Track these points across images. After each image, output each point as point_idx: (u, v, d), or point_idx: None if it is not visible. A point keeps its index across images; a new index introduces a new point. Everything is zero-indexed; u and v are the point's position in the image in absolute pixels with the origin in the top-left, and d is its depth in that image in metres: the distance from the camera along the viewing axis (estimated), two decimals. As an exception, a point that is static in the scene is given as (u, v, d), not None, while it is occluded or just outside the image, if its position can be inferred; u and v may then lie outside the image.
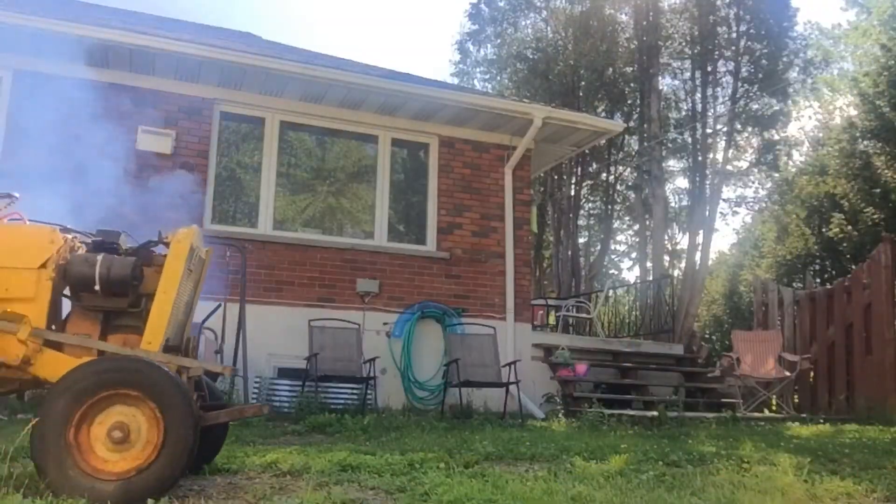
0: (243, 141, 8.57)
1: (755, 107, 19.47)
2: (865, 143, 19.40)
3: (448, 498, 2.49)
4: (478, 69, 25.00)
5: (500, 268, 8.68)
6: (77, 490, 2.27)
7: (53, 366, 2.54)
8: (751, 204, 24.14)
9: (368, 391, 7.25)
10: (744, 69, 18.79)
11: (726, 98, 19.35)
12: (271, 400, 7.04)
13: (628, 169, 22.63)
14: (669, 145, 20.84)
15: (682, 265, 22.02)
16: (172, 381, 2.39)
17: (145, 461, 2.35)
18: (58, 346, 2.60)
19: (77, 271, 2.63)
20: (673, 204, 24.05)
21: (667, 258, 22.26)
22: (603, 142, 15.22)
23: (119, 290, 2.65)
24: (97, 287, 2.60)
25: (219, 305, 6.47)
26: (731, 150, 19.57)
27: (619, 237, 27.80)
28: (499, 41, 23.60)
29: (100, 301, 2.67)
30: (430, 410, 7.54)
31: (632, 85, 20.71)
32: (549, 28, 22.20)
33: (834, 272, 20.13)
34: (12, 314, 2.53)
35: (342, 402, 7.15)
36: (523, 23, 23.28)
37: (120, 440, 2.36)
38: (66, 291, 2.80)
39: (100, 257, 2.63)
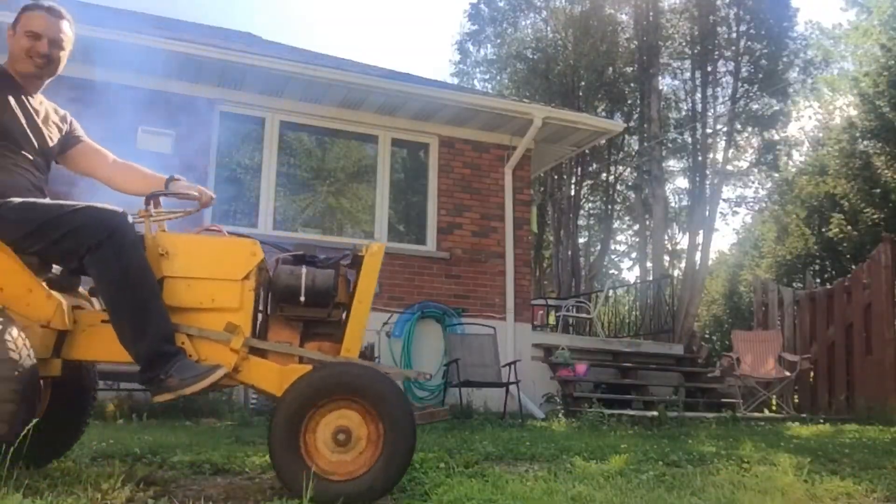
0: (243, 141, 8.57)
1: (755, 107, 19.48)
2: (865, 143, 19.41)
3: (448, 498, 2.49)
4: (478, 69, 25.02)
5: (500, 268, 8.68)
6: (312, 491, 2.37)
7: (258, 372, 2.64)
8: (751, 204, 24.17)
9: (368, 391, 7.25)
10: (744, 69, 18.80)
11: (726, 98, 19.37)
12: (271, 400, 7.04)
13: (628, 169, 22.65)
14: (669, 145, 20.84)
15: (682, 265, 22.03)
16: (390, 385, 2.49)
17: (367, 463, 2.45)
18: (262, 354, 2.69)
19: (284, 282, 2.72)
20: (673, 204, 24.07)
21: (667, 258, 22.27)
22: (603, 142, 15.23)
23: (321, 301, 2.76)
24: (302, 298, 2.70)
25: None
26: (731, 150, 19.59)
27: (619, 237, 27.83)
28: (499, 41, 23.61)
29: (301, 311, 2.77)
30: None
31: (632, 85, 20.73)
32: (548, 28, 22.20)
33: (834, 272, 20.14)
34: (231, 325, 2.62)
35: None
36: (523, 23, 23.30)
37: (343, 443, 2.46)
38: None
39: (304, 269, 2.74)
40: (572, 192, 21.25)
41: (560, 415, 7.65)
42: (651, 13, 19.74)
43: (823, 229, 20.96)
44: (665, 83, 21.14)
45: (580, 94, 20.22)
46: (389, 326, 7.96)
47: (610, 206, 23.55)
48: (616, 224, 25.69)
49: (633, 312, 15.40)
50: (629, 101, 20.99)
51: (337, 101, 8.17)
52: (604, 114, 20.03)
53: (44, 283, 2.56)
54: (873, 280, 9.19)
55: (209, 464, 3.23)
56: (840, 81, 23.09)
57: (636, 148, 21.47)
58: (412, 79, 9.19)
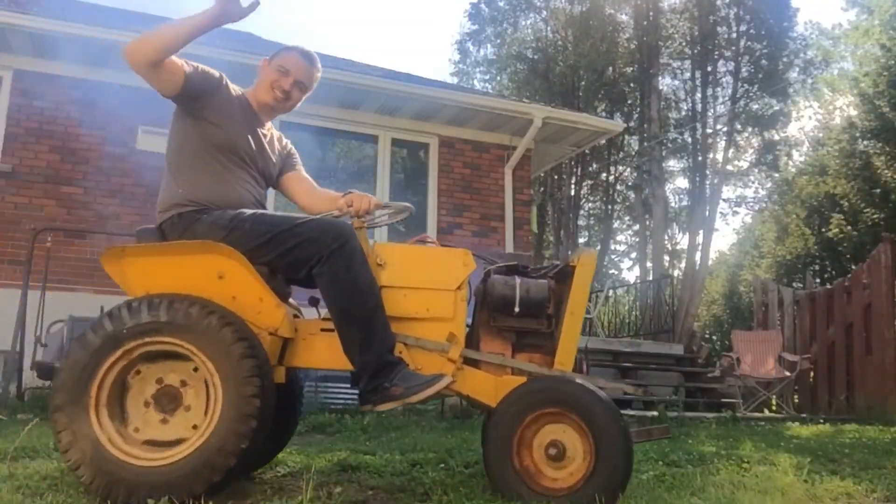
0: (243, 141, 8.58)
1: (755, 107, 19.49)
2: (865, 143, 19.42)
3: (448, 498, 2.49)
4: (478, 69, 25.03)
5: (500, 268, 8.67)
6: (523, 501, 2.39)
7: (474, 383, 2.63)
8: (751, 204, 24.18)
9: (368, 391, 7.24)
10: (744, 69, 18.81)
11: (726, 98, 19.38)
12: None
13: (628, 169, 22.66)
14: (669, 145, 20.86)
15: (682, 265, 22.04)
16: (602, 401, 2.44)
17: (580, 479, 2.41)
18: (474, 364, 2.69)
19: (499, 293, 2.71)
20: (673, 204, 24.08)
21: (667, 258, 22.27)
22: (603, 142, 15.23)
23: (535, 312, 2.75)
24: (516, 308, 2.69)
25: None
26: (731, 150, 19.60)
27: (619, 237, 27.84)
28: (498, 41, 23.62)
29: (514, 322, 2.76)
30: (430, 410, 7.54)
31: (632, 85, 20.73)
32: (548, 28, 22.21)
33: (834, 272, 20.15)
34: (451, 335, 2.64)
35: (342, 401, 7.14)
36: (523, 23, 23.31)
37: (556, 457, 2.44)
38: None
39: (518, 280, 2.72)
40: (572, 192, 21.25)
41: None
42: (651, 13, 19.75)
43: (823, 229, 20.98)
44: (665, 83, 21.15)
45: (580, 94, 20.22)
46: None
47: (610, 206, 23.56)
48: (616, 224, 25.71)
49: (633, 312, 15.41)
50: (629, 101, 21.00)
51: (337, 101, 8.17)
52: (604, 114, 20.03)
53: (273, 293, 2.60)
54: (873, 280, 9.19)
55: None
56: (840, 81, 23.10)
57: (636, 148, 21.48)
58: (412, 79, 9.19)
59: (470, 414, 7.10)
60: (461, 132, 8.86)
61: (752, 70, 18.84)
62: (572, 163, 19.78)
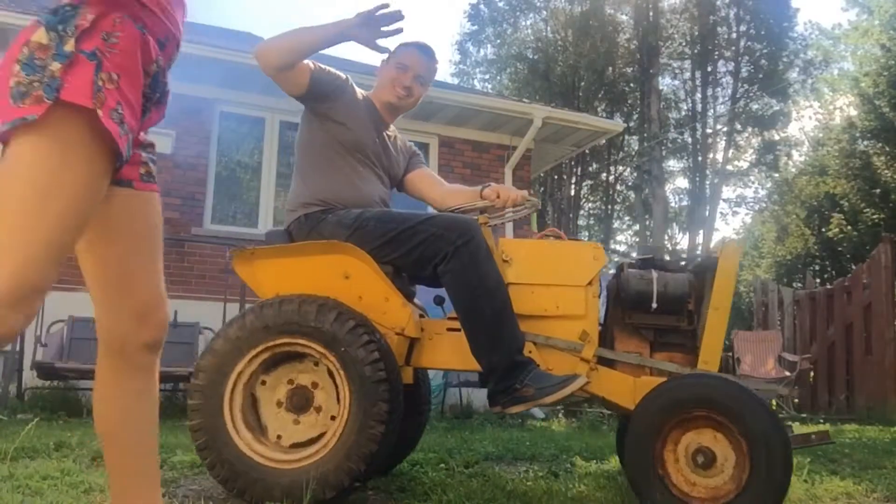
0: (243, 141, 8.57)
1: (755, 107, 19.50)
2: (865, 143, 19.42)
3: (448, 498, 2.50)
4: (478, 69, 25.03)
5: (500, 268, 8.68)
6: None
7: (609, 384, 2.52)
8: (751, 204, 24.19)
9: (368, 391, 7.24)
10: (744, 69, 18.82)
11: (726, 98, 19.39)
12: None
13: (628, 169, 22.66)
14: (669, 145, 20.86)
15: (682, 265, 22.01)
16: (757, 402, 2.24)
17: (734, 487, 2.21)
18: (609, 364, 2.57)
19: (634, 288, 2.58)
20: (673, 204, 24.08)
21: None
22: (603, 142, 15.23)
23: (674, 308, 2.61)
24: (654, 305, 2.55)
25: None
26: (731, 150, 19.61)
27: (619, 237, 27.81)
28: (498, 41, 23.62)
29: (651, 319, 2.62)
30: (430, 410, 7.54)
31: (632, 85, 20.74)
32: (548, 28, 22.22)
33: (834, 272, 20.15)
34: (584, 333, 2.53)
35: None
36: (523, 23, 23.32)
37: (704, 463, 2.26)
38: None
39: (655, 274, 2.59)
40: (572, 192, 21.26)
41: (560, 415, 7.65)
42: (651, 13, 19.76)
43: (823, 229, 20.97)
44: (665, 83, 21.16)
45: (580, 94, 20.23)
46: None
47: (610, 206, 23.57)
48: (616, 224, 25.70)
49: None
50: (629, 101, 21.01)
51: (337, 101, 8.17)
52: (604, 114, 20.04)
53: (399, 292, 2.56)
54: (873, 280, 9.19)
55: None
56: (840, 81, 23.10)
57: (636, 148, 21.49)
58: (412, 79, 9.19)
59: (470, 414, 7.10)
60: (461, 132, 8.86)
61: (752, 70, 18.85)
62: (572, 163, 19.78)
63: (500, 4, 23.27)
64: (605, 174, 22.61)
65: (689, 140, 20.39)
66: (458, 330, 2.52)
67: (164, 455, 3.41)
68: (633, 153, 21.83)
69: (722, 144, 19.39)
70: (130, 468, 1.42)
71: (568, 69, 20.18)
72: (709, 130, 19.60)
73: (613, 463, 3.71)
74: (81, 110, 1.16)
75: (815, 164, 22.59)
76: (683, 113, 21.57)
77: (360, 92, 2.86)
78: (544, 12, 22.32)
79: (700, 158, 19.38)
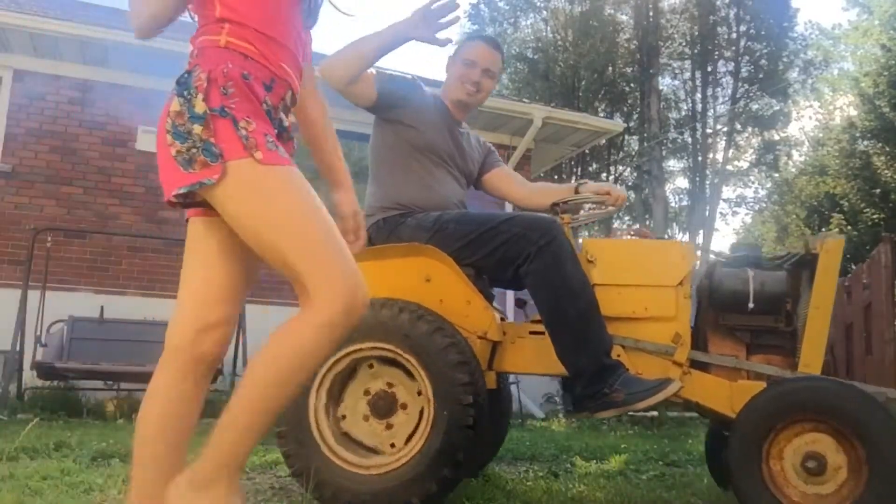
0: (243, 141, 8.57)
1: (755, 107, 19.51)
2: (865, 143, 19.42)
3: (448, 498, 2.49)
4: (478, 69, 24.99)
5: (500, 268, 8.67)
6: None
7: (704, 389, 2.41)
8: (751, 204, 24.17)
9: (368, 391, 7.24)
10: (744, 69, 18.82)
11: (726, 98, 19.40)
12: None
13: (628, 169, 22.66)
14: (669, 145, 20.86)
15: (682, 265, 22.03)
16: (873, 405, 2.14)
17: (850, 496, 2.11)
18: (703, 368, 2.46)
19: (729, 288, 2.47)
20: (673, 204, 24.07)
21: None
22: (603, 142, 15.23)
23: (771, 308, 2.51)
24: (751, 305, 2.44)
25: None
26: (731, 150, 19.61)
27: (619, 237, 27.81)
28: (499, 41, 23.62)
29: (746, 320, 2.51)
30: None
31: (632, 85, 20.75)
32: (548, 28, 22.21)
33: (834, 272, 20.10)
34: (677, 336, 2.43)
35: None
36: (523, 23, 23.32)
37: (815, 471, 2.15)
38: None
39: (750, 273, 2.47)
40: (572, 192, 21.23)
41: (560, 415, 7.64)
42: (651, 13, 19.76)
43: (823, 229, 20.96)
44: (665, 83, 21.16)
45: (580, 94, 20.23)
46: (389, 326, 7.96)
47: (610, 206, 23.54)
48: (616, 224, 25.68)
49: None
50: (629, 101, 21.00)
51: (337, 100, 8.15)
52: (604, 114, 20.03)
53: (481, 295, 2.50)
54: (873, 280, 9.16)
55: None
56: (840, 81, 23.10)
57: (636, 148, 21.49)
58: (412, 79, 9.18)
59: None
60: (461, 132, 8.85)
61: (752, 70, 18.85)
62: (572, 163, 19.78)
63: (501, 4, 23.27)
64: (605, 174, 22.60)
65: (689, 140, 20.40)
66: (541, 333, 2.45)
67: (164, 455, 3.40)
68: (633, 153, 21.83)
69: (722, 144, 19.40)
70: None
71: (568, 69, 20.17)
72: (709, 130, 19.60)
73: (613, 463, 3.71)
74: (247, 160, 1.35)
75: (815, 164, 22.58)
76: (683, 113, 21.57)
77: (428, 92, 2.82)
78: (544, 12, 22.32)
79: (700, 158, 19.38)
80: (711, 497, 2.69)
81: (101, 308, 6.23)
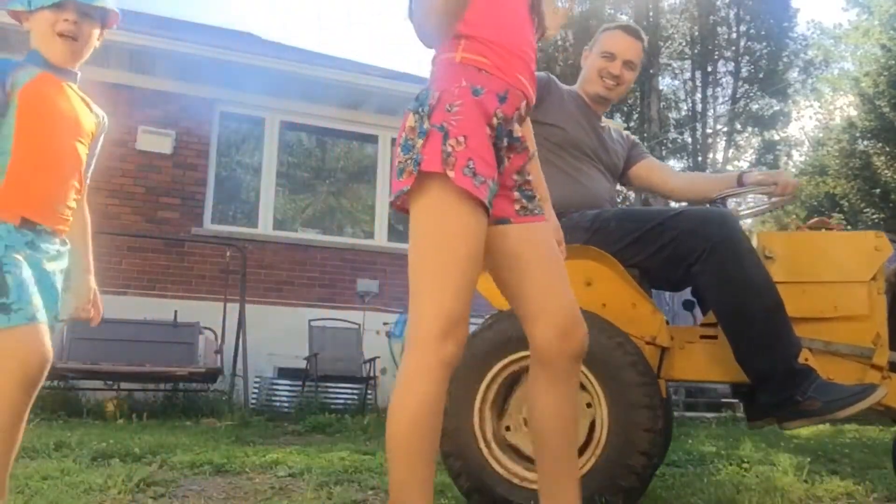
0: (243, 141, 8.57)
1: (755, 107, 19.51)
2: (865, 143, 19.40)
3: (448, 498, 2.49)
4: (478, 69, 25.02)
5: (500, 268, 8.66)
6: None
7: None
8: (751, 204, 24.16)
9: (369, 391, 7.25)
10: (744, 69, 18.83)
11: (726, 98, 19.40)
12: (271, 400, 7.04)
13: (628, 169, 22.66)
14: (669, 145, 20.86)
15: (682, 265, 22.05)
16: None
17: None
18: None
19: None
20: (673, 204, 24.08)
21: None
22: (603, 142, 15.22)
23: None
24: None
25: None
26: (731, 150, 19.61)
27: (619, 237, 27.85)
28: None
29: None
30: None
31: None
32: (549, 28, 22.20)
33: (834, 272, 20.10)
34: (878, 337, 2.22)
35: (342, 402, 7.14)
36: (523, 23, 23.30)
37: None
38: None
39: None
40: (572, 192, 21.24)
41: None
42: (651, 13, 19.75)
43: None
44: (665, 83, 21.15)
45: (580, 94, 20.23)
46: (389, 326, 7.96)
47: (610, 206, 23.57)
48: (616, 224, 25.73)
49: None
50: (629, 101, 21.00)
51: (337, 101, 8.17)
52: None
53: (647, 297, 2.35)
54: (873, 280, 9.17)
55: (209, 464, 3.23)
56: (840, 81, 23.10)
57: (636, 148, 21.49)
58: (412, 79, 9.18)
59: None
60: (461, 132, 8.85)
61: (752, 70, 18.85)
62: (572, 163, 19.76)
63: (500, 4, 23.29)
64: (605, 174, 22.63)
65: (689, 140, 20.40)
66: (713, 337, 2.29)
67: (164, 455, 3.41)
68: (633, 153, 21.84)
69: (722, 144, 19.41)
70: (557, 467, 1.56)
71: (568, 69, 20.17)
72: (709, 130, 19.61)
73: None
74: (439, 175, 1.41)
75: (815, 164, 22.56)
76: (683, 113, 21.57)
77: (563, 88, 2.71)
78: (544, 12, 22.32)
79: (700, 158, 19.37)
80: (711, 497, 2.69)
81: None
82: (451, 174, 1.40)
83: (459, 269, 1.43)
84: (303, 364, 6.98)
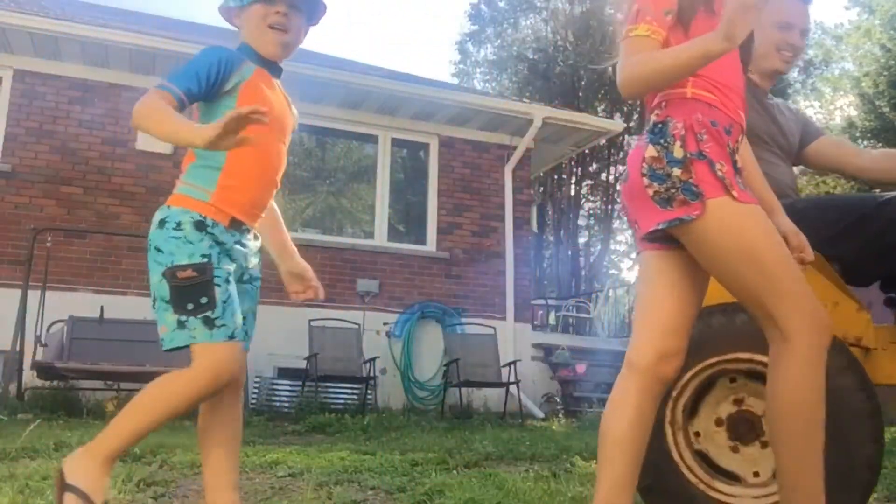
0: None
1: (755, 107, 19.49)
2: (865, 143, 19.40)
3: (448, 498, 2.50)
4: (478, 69, 25.00)
5: (500, 268, 8.68)
6: None
7: None
8: (751, 204, 24.18)
9: (368, 391, 7.26)
10: (744, 69, 18.81)
11: (726, 98, 19.38)
12: (271, 400, 7.04)
13: (628, 169, 22.64)
14: (669, 145, 20.85)
15: (682, 265, 22.02)
16: None
17: None
18: None
19: None
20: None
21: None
22: (603, 142, 15.22)
23: None
24: None
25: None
26: (731, 150, 19.61)
27: (619, 237, 27.76)
28: (499, 41, 23.61)
29: None
30: (430, 410, 7.55)
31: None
32: (549, 28, 22.20)
33: (834, 272, 20.11)
34: None
35: (342, 402, 7.15)
36: (523, 23, 23.30)
37: None
38: None
39: None
40: (572, 192, 21.24)
41: (560, 415, 7.66)
42: (651, 13, 19.75)
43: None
44: (665, 83, 21.14)
45: (580, 94, 20.22)
46: (389, 326, 7.97)
47: (610, 206, 23.53)
48: (616, 224, 25.65)
49: (634, 312, 15.37)
50: (629, 101, 20.99)
51: (337, 101, 8.17)
52: (604, 114, 20.03)
53: (852, 295, 2.14)
54: (873, 280, 9.19)
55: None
56: (840, 81, 23.09)
57: (636, 148, 21.46)
58: (412, 79, 9.19)
59: (470, 414, 7.10)
60: (461, 132, 8.86)
61: (752, 70, 18.85)
62: (572, 163, 19.77)
63: (501, 4, 23.26)
64: (605, 174, 22.59)
65: (689, 140, 20.40)
66: None
67: (163, 455, 3.41)
68: (633, 153, 21.83)
69: (722, 144, 19.42)
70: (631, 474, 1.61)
71: (568, 69, 20.17)
72: (709, 130, 19.63)
73: (613, 463, 3.70)
74: (723, 198, 1.50)
75: (815, 164, 22.59)
76: (683, 113, 21.58)
77: None
78: (544, 12, 22.31)
79: (700, 158, 19.39)
80: (711, 497, 2.69)
81: (101, 308, 6.23)
82: (735, 194, 1.51)
83: (791, 259, 1.55)
84: (303, 364, 6.99)
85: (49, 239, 6.23)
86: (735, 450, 2.07)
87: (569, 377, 8.35)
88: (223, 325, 1.76)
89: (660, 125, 1.58)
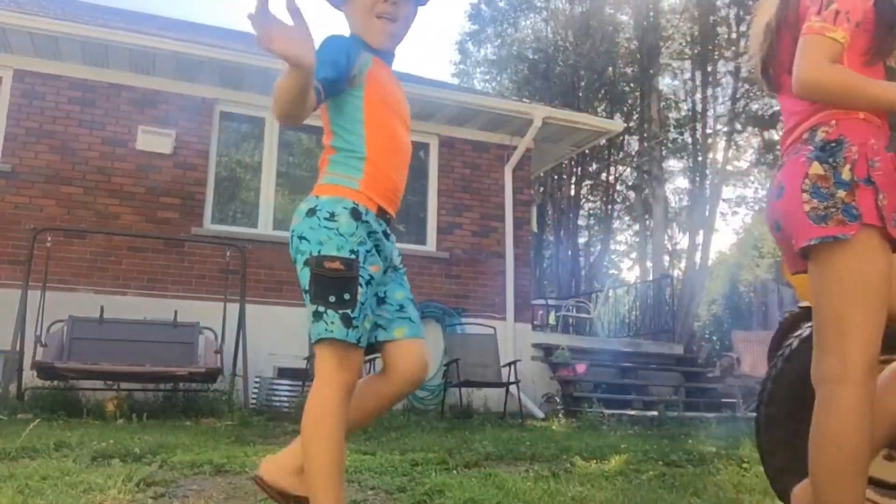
0: (243, 141, 8.57)
1: (755, 107, 19.48)
2: (865, 143, 19.41)
3: (448, 498, 2.50)
4: (478, 69, 25.02)
5: (500, 268, 8.68)
6: None
7: None
8: (751, 204, 24.14)
9: (368, 391, 7.24)
10: (744, 69, 18.79)
11: (726, 98, 19.37)
12: (271, 400, 7.04)
13: (628, 169, 22.64)
14: (669, 145, 20.85)
15: (682, 265, 22.03)
16: None
17: None
18: None
19: None
20: (673, 204, 24.05)
21: (667, 258, 22.25)
22: (603, 142, 15.22)
23: None
24: None
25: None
26: (731, 150, 19.59)
27: (619, 237, 27.81)
28: (499, 41, 23.61)
29: None
30: (430, 410, 7.54)
31: (632, 85, 20.73)
32: (549, 28, 22.21)
33: (834, 272, 20.08)
34: None
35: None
36: (523, 23, 23.31)
37: None
38: None
39: None
40: (572, 192, 21.24)
41: (560, 415, 7.65)
42: (651, 13, 19.73)
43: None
44: (665, 83, 21.15)
45: (580, 94, 20.22)
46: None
47: (610, 206, 23.54)
48: (616, 224, 25.68)
49: (633, 312, 15.38)
50: (629, 101, 20.99)
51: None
52: (604, 114, 20.03)
53: None
54: None
55: (209, 464, 3.23)
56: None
57: (636, 148, 21.47)
58: (412, 79, 9.18)
59: (470, 414, 7.09)
60: (461, 132, 8.86)
61: (753, 70, 18.84)
62: (572, 163, 19.77)
63: (501, 4, 23.26)
64: (605, 174, 22.60)
65: (689, 140, 20.39)
66: None
67: (164, 455, 3.41)
68: (633, 153, 21.81)
69: (722, 144, 19.38)
70: None
71: (568, 69, 20.17)
72: (709, 130, 19.60)
73: (613, 463, 3.70)
74: (874, 227, 1.55)
75: (815, 164, 22.56)
76: (683, 113, 21.55)
77: None
78: (545, 12, 22.31)
79: (700, 158, 19.37)
80: (711, 497, 2.69)
81: (101, 308, 6.23)
82: (889, 229, 1.55)
83: (882, 313, 1.57)
84: (303, 364, 6.98)
85: (49, 239, 6.23)
86: (890, 458, 2.06)
87: (569, 377, 8.35)
88: (357, 327, 1.68)
89: (832, 144, 1.58)
